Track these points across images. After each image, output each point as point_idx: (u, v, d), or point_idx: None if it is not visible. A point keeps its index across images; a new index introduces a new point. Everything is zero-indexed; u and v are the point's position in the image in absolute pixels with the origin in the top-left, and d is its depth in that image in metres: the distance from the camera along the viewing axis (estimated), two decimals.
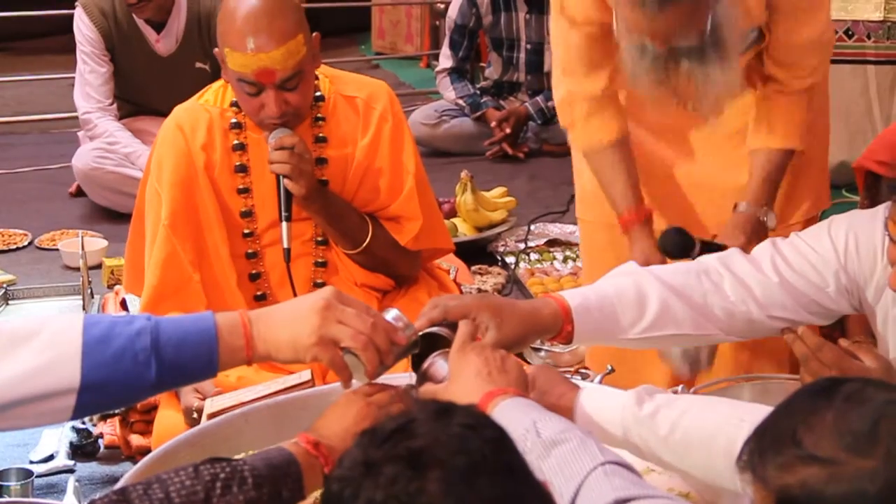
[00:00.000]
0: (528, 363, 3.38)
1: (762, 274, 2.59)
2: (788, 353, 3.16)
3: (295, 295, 3.26)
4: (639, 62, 2.87)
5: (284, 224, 3.23)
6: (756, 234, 3.01)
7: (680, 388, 2.83)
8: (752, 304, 2.58)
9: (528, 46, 6.04)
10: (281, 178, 3.18)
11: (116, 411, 3.33)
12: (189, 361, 2.08)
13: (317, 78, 3.30)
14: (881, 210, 2.47)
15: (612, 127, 3.20)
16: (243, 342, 2.11)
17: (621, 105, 3.23)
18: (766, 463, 1.76)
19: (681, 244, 2.99)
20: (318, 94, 3.32)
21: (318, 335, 2.14)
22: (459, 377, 2.18)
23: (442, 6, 6.86)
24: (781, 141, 3.15)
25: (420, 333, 2.30)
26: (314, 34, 3.21)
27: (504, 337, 2.34)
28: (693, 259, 2.93)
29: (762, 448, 1.78)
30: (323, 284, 3.36)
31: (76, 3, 5.33)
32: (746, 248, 2.81)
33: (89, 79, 5.29)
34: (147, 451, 2.84)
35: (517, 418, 1.76)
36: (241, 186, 3.33)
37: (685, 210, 3.34)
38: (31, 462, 3.30)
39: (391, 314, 2.25)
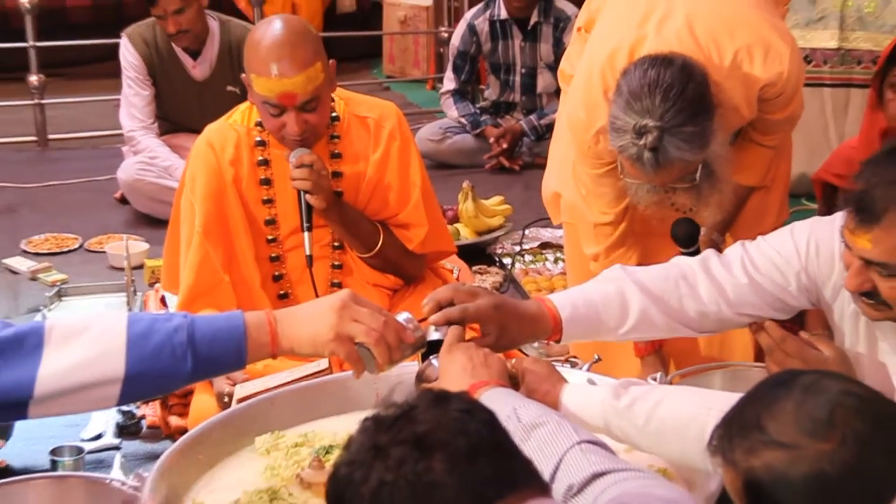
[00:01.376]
0: (526, 354, 3.38)
1: (733, 276, 2.57)
2: (754, 344, 3.16)
3: (316, 294, 3.26)
4: (638, 189, 2.87)
5: (306, 234, 3.23)
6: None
7: (658, 375, 2.82)
8: (723, 305, 2.57)
9: (523, 70, 6.04)
10: (302, 192, 3.18)
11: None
12: (221, 355, 2.09)
13: (333, 100, 3.30)
14: (838, 217, 2.47)
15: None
16: (269, 339, 2.12)
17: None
18: (734, 447, 1.76)
19: (689, 233, 3.00)
20: (334, 114, 3.32)
21: (335, 332, 2.14)
22: (448, 374, 2.19)
23: (446, 35, 6.85)
24: (748, 180, 3.20)
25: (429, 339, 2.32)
26: (331, 61, 3.20)
27: (501, 343, 2.38)
28: (697, 246, 3.00)
29: (730, 434, 1.78)
30: (339, 284, 3.37)
31: (122, 34, 5.34)
32: None
33: (133, 101, 5.29)
34: (184, 430, 2.84)
35: (499, 406, 1.76)
36: (265, 197, 3.33)
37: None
38: (82, 440, 3.30)
39: (402, 316, 2.26)
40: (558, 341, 2.53)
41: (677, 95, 2.69)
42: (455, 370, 2.17)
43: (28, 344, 1.98)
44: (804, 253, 2.53)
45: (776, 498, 1.73)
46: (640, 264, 3.06)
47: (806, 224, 2.61)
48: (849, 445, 1.69)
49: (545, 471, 1.70)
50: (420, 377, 2.26)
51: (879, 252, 2.18)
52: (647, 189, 2.83)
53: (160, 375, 2.04)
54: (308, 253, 3.23)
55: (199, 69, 5.27)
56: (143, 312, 3.59)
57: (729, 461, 1.77)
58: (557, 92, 5.63)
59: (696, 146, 2.72)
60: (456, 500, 1.49)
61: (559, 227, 4.10)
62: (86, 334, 2.01)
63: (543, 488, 1.59)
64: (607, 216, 3.11)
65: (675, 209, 3.01)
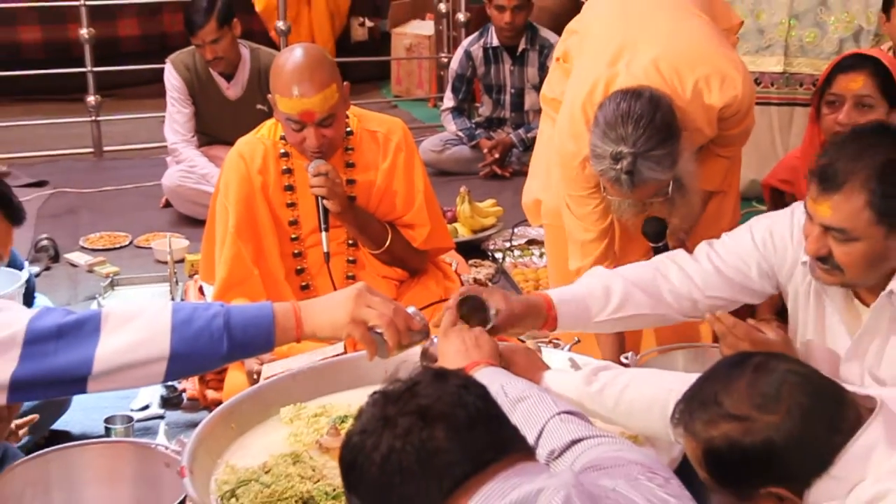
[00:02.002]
0: (521, 341, 3.37)
1: (699, 265, 2.59)
2: (712, 331, 3.16)
3: (333, 285, 3.26)
4: (620, 204, 2.89)
5: (324, 234, 3.23)
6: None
7: (630, 355, 2.81)
8: (693, 289, 2.58)
9: (512, 91, 6.03)
10: (319, 197, 3.18)
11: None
12: (252, 339, 2.08)
13: (347, 116, 3.28)
14: (796, 207, 2.48)
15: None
16: (294, 324, 2.12)
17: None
18: (695, 420, 1.77)
19: (657, 230, 3.00)
20: (348, 129, 3.31)
21: (351, 316, 2.14)
22: (445, 356, 2.20)
23: (445, 60, 6.84)
24: (709, 185, 3.18)
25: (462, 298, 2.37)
26: (345, 83, 3.19)
27: (507, 325, 2.41)
28: (665, 241, 3.00)
29: (691, 409, 1.79)
30: (353, 277, 3.37)
31: (166, 60, 5.33)
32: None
33: (176, 118, 5.28)
34: (219, 402, 2.83)
35: (489, 383, 1.75)
36: (288, 202, 3.32)
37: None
38: (132, 410, 3.30)
39: (410, 309, 2.24)
40: (554, 329, 2.53)
41: (647, 124, 2.70)
42: (451, 352, 2.18)
43: (87, 328, 1.97)
44: (761, 243, 2.53)
45: (732, 464, 1.74)
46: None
47: (764, 217, 2.63)
48: (793, 417, 1.70)
49: (529, 438, 1.70)
50: (425, 354, 2.26)
51: (838, 218, 2.16)
52: (628, 204, 2.84)
53: (200, 356, 2.04)
54: (326, 250, 3.23)
55: (232, 90, 5.26)
56: (185, 302, 3.58)
57: (690, 432, 1.78)
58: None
59: (665, 166, 2.73)
60: (456, 464, 1.49)
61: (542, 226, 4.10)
62: (137, 320, 2.00)
63: (530, 452, 1.60)
64: (591, 234, 3.10)
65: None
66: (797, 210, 2.47)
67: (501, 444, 1.54)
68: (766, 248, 2.53)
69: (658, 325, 2.81)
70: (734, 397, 1.73)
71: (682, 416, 1.81)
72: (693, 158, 2.89)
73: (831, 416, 1.73)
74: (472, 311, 2.36)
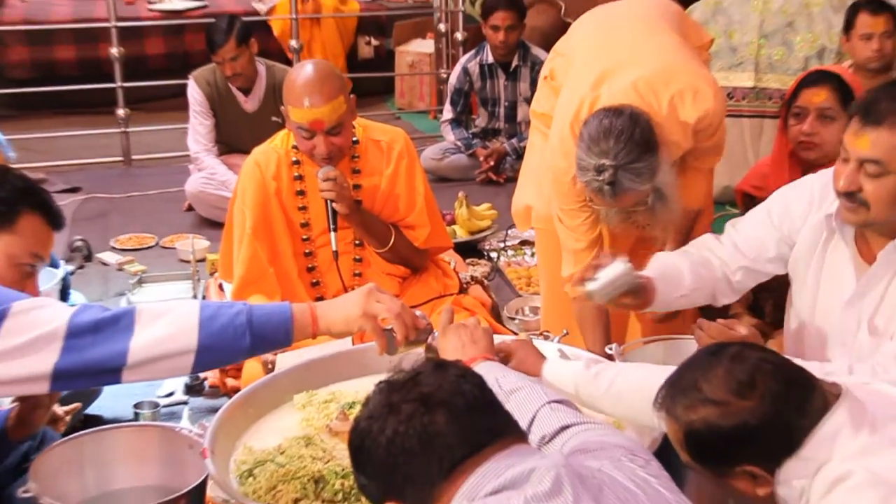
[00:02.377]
0: (514, 333, 3.38)
1: (730, 247, 2.69)
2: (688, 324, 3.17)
3: (342, 281, 3.27)
4: (607, 212, 2.90)
5: (333, 234, 3.23)
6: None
7: (614, 346, 2.81)
8: (727, 269, 2.68)
9: (506, 104, 6.01)
10: (329, 201, 3.17)
11: None
12: (272, 335, 2.09)
13: (354, 127, 3.29)
14: (817, 176, 2.57)
15: None
16: (311, 321, 2.13)
17: None
18: (676, 405, 1.78)
19: None
20: (354, 138, 3.30)
21: (363, 310, 2.15)
22: (445, 351, 2.19)
23: (445, 75, 6.82)
24: (693, 204, 3.18)
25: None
26: (352, 95, 3.19)
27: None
28: None
29: (673, 394, 1.80)
30: (360, 274, 3.37)
31: (189, 76, 5.32)
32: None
33: (198, 129, 5.28)
34: (237, 389, 2.83)
35: (484, 375, 1.75)
36: (300, 205, 3.32)
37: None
38: (158, 396, 3.31)
39: (416, 311, 2.26)
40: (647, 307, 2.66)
41: (627, 139, 2.70)
42: (450, 349, 2.18)
43: (122, 323, 1.98)
44: (777, 214, 2.60)
45: (710, 445, 1.75)
46: None
47: (781, 190, 2.68)
48: (767, 402, 1.71)
49: (522, 424, 1.71)
50: (429, 348, 2.27)
51: (876, 150, 2.17)
52: (614, 212, 2.85)
53: (224, 349, 2.05)
54: (334, 249, 3.23)
55: (249, 103, 5.25)
56: (211, 301, 3.58)
57: (672, 416, 1.78)
58: None
59: (644, 178, 2.73)
60: (455, 446, 1.50)
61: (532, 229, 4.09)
62: (167, 316, 2.01)
63: (523, 436, 1.61)
64: (581, 243, 3.10)
65: (636, 226, 3.00)
66: (818, 177, 2.55)
67: (496, 429, 1.55)
68: (782, 219, 2.58)
69: (708, 302, 2.80)
70: (713, 384, 1.73)
71: (664, 401, 1.81)
72: (672, 171, 2.89)
73: (801, 401, 1.73)
74: None
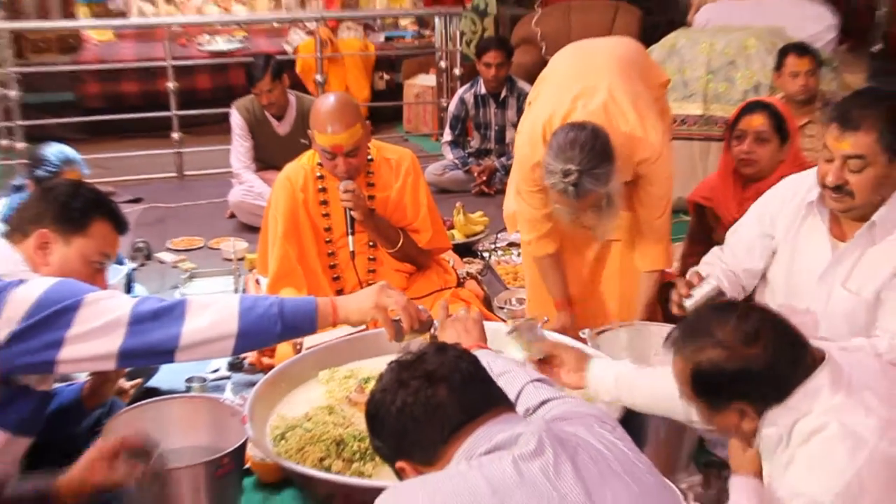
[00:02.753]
0: (503, 320, 3.36)
1: (730, 252, 2.73)
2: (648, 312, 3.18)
3: (358, 277, 3.27)
4: (561, 212, 2.89)
5: (350, 237, 3.23)
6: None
7: (587, 330, 2.79)
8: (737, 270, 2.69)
9: (496, 128, 6.00)
10: (347, 209, 3.17)
11: None
12: (300, 324, 2.10)
13: (369, 148, 3.28)
14: (789, 182, 2.62)
15: (552, 246, 3.21)
16: (331, 311, 2.14)
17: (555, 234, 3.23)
18: (687, 345, 1.75)
19: None
20: (369, 157, 3.30)
21: (375, 302, 2.16)
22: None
23: (445, 104, 6.81)
24: (651, 266, 3.19)
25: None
26: (367, 122, 3.19)
27: None
28: None
29: (685, 336, 1.78)
30: (374, 271, 3.37)
31: (232, 105, 5.32)
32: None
33: (239, 149, 5.28)
34: (271, 367, 2.82)
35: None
36: (323, 213, 3.32)
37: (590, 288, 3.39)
38: (206, 372, 3.30)
39: (419, 305, 2.27)
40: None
41: (590, 149, 2.71)
42: (448, 340, 2.17)
43: (176, 312, 1.99)
44: (763, 214, 2.64)
45: (713, 382, 1.73)
46: (558, 249, 3.23)
47: (760, 200, 2.71)
48: (768, 352, 1.69)
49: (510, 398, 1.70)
50: (433, 336, 2.26)
51: (857, 149, 2.26)
52: (567, 212, 2.85)
53: (259, 335, 2.05)
54: (351, 249, 3.24)
55: (281, 128, 5.24)
56: (249, 294, 3.58)
57: (682, 354, 1.76)
58: None
59: (602, 182, 2.74)
60: (454, 415, 1.50)
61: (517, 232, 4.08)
62: (213, 307, 2.02)
63: (511, 407, 1.61)
64: (537, 213, 3.12)
65: (583, 226, 2.99)
66: (786, 184, 2.63)
67: (489, 399, 1.55)
68: (766, 219, 2.62)
69: None
70: (724, 331, 1.71)
71: (675, 342, 1.79)
72: (621, 183, 2.89)
73: (794, 357, 1.71)
74: None
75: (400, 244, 3.33)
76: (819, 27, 5.57)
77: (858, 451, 1.59)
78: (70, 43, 7.54)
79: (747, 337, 1.69)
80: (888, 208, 2.33)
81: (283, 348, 3.05)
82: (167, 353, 1.98)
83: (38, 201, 2.21)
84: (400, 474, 1.56)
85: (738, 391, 1.71)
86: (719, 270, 2.68)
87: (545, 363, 2.35)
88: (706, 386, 1.73)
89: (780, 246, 2.59)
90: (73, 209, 2.19)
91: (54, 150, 3.57)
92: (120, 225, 2.28)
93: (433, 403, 1.50)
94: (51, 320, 1.91)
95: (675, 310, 2.59)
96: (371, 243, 3.36)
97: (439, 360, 1.56)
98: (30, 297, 1.93)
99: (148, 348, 1.95)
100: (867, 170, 2.27)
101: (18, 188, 3.67)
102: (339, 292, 3.30)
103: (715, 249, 2.81)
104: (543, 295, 3.32)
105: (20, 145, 6.00)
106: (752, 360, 1.68)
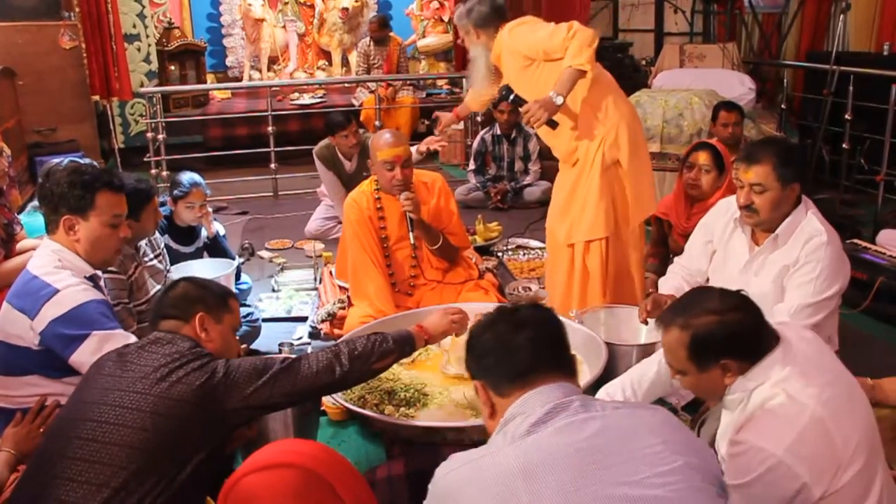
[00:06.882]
0: (505, 299, 3.31)
1: (685, 262, 2.67)
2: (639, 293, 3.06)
3: (405, 270, 3.23)
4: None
5: (411, 234, 3.22)
6: (546, 104, 2.69)
7: (574, 311, 2.75)
8: (697, 275, 2.65)
9: (508, 160, 5.95)
10: (407, 212, 3.16)
11: (327, 318, 3.30)
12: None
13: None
14: (725, 203, 2.56)
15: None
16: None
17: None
18: (679, 316, 1.64)
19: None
20: None
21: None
22: None
23: (470, 143, 6.75)
24: (570, 62, 2.72)
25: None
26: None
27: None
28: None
29: (677, 311, 1.66)
30: (416, 266, 3.32)
31: (314, 152, 5.10)
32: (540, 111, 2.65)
33: (325, 180, 5.15)
34: (340, 336, 2.82)
35: None
36: (381, 225, 3.30)
37: None
38: (293, 338, 3.30)
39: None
40: None
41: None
42: None
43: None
44: (702, 229, 2.62)
45: (705, 344, 1.61)
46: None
47: (703, 219, 2.65)
48: (750, 317, 1.60)
49: None
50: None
51: (757, 178, 2.27)
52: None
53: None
54: (412, 242, 3.23)
55: (349, 165, 5.13)
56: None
57: (676, 324, 1.63)
58: (524, 172, 5.61)
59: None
60: (525, 361, 1.35)
61: (522, 236, 4.00)
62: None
63: (574, 376, 1.41)
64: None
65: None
66: (720, 206, 2.58)
67: (558, 362, 1.38)
68: (705, 230, 2.60)
69: None
70: (713, 301, 1.62)
71: (666, 317, 1.67)
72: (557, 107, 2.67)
73: (763, 331, 1.63)
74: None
75: (440, 242, 3.31)
76: (743, 90, 5.58)
77: (801, 415, 1.53)
78: (200, 100, 7.67)
79: (734, 304, 1.61)
80: (787, 224, 2.32)
81: (350, 321, 3.04)
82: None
83: (46, 198, 2.07)
84: (477, 390, 1.42)
85: (728, 348, 1.60)
86: (679, 278, 2.64)
87: None
88: (701, 346, 1.61)
89: (717, 249, 2.56)
90: (76, 195, 2.04)
91: (187, 177, 3.60)
92: (118, 188, 2.10)
93: (510, 346, 1.36)
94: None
95: (642, 318, 2.49)
96: (414, 245, 3.31)
97: (532, 313, 1.42)
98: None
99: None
100: (766, 193, 2.28)
101: (163, 204, 3.70)
102: (392, 279, 3.29)
103: (677, 259, 2.74)
104: (555, 277, 3.15)
105: (165, 173, 6.08)
106: (738, 324, 1.59)
